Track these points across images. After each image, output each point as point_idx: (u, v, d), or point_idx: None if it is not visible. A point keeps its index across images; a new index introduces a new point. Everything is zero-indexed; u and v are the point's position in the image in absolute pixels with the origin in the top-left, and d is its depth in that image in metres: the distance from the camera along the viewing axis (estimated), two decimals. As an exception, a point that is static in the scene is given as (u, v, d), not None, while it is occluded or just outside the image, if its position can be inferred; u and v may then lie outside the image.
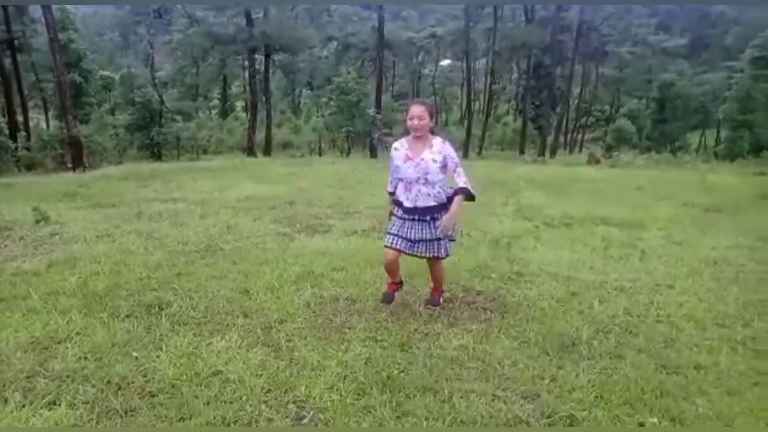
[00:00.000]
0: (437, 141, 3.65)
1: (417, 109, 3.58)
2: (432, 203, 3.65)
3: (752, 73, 35.92)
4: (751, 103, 35.59)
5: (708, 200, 9.06)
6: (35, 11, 25.65)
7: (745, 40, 39.60)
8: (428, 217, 3.66)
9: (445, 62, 56.50)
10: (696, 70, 50.93)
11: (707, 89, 45.49)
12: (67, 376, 2.89)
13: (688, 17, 64.87)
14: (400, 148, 3.71)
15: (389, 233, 3.78)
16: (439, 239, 3.70)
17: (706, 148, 42.43)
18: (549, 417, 2.69)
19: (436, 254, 3.76)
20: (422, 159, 3.60)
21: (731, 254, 5.69)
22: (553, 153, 34.31)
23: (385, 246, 3.76)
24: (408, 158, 3.64)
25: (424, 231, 3.69)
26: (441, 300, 4.03)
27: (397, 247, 3.71)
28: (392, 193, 3.83)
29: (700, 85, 46.58)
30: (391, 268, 3.85)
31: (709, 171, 15.37)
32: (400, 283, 4.04)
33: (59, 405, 2.65)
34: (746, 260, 5.46)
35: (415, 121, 3.57)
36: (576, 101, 46.63)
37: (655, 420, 2.68)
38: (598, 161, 22.03)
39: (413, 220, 3.68)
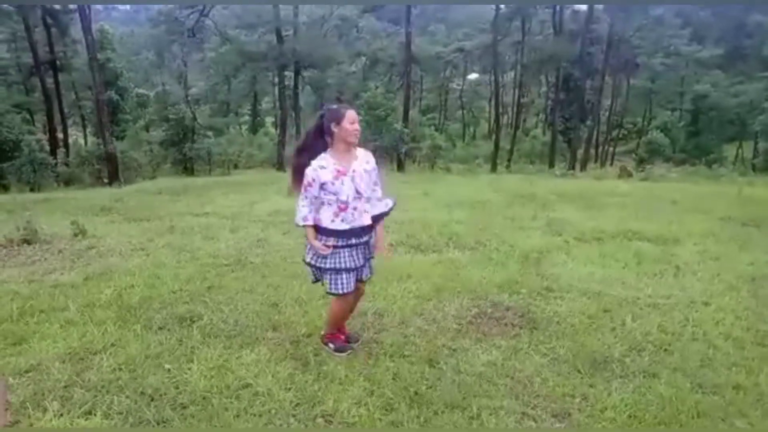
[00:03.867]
0: (361, 151, 3.21)
1: (355, 114, 3.12)
2: (368, 222, 3.19)
3: (791, 83, 34.95)
4: (791, 114, 34.55)
5: (745, 214, 8.78)
6: (76, 32, 26.68)
7: (784, 49, 38.58)
8: (365, 238, 3.23)
9: (473, 76, 56.48)
10: (732, 81, 49.67)
11: (743, 100, 44.27)
12: (103, 387, 2.97)
13: (723, 27, 63.43)
14: (326, 165, 3.08)
15: (334, 270, 3.16)
16: (370, 259, 3.38)
17: (743, 161, 41.21)
18: (580, 436, 2.64)
19: (369, 275, 3.42)
20: (354, 171, 3.12)
21: (771, 270, 5.50)
22: (583, 166, 33.78)
23: (343, 293, 3.20)
24: (339, 173, 3.08)
25: (366, 252, 3.30)
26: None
27: (350, 290, 3.22)
28: (311, 226, 3.16)
29: (735, 96, 45.38)
30: (347, 315, 3.51)
31: (747, 184, 14.91)
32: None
33: (95, 415, 2.72)
34: (787, 277, 5.27)
35: (356, 125, 3.10)
36: (607, 114, 45.95)
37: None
38: (630, 174, 21.62)
39: (350, 246, 3.17)
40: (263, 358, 3.32)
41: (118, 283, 4.72)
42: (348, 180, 3.09)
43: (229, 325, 3.84)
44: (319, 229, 3.16)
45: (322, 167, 3.09)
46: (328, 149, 3.15)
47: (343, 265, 3.16)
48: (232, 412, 2.77)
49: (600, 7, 35.76)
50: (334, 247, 3.15)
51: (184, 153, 29.37)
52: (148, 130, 38.30)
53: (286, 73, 33.37)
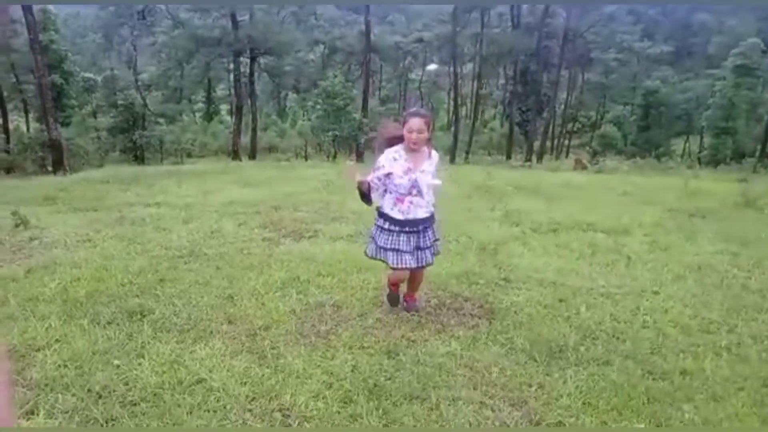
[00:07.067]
0: (435, 153, 3.65)
1: (417, 123, 3.42)
2: (424, 215, 3.60)
3: (734, 80, 36.68)
4: (734, 110, 36.33)
5: (692, 206, 9.14)
6: (16, 11, 25.26)
7: (727, 48, 40.34)
8: (420, 228, 3.62)
9: (432, 67, 56.75)
10: (680, 77, 51.69)
11: (690, 96, 46.21)
12: (46, 385, 2.82)
13: (671, 25, 65.85)
14: (399, 158, 3.50)
15: (388, 249, 3.60)
16: (430, 246, 3.72)
17: (690, 155, 43.06)
18: (537, 424, 2.68)
19: (429, 261, 3.76)
20: (422, 171, 3.53)
21: (715, 260, 5.73)
22: (539, 158, 34.57)
23: (394, 268, 3.64)
24: (409, 170, 3.49)
25: (419, 240, 3.64)
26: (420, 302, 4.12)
27: (408, 266, 3.62)
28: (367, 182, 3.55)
29: (683, 92, 47.30)
30: (400, 284, 3.90)
31: (693, 177, 15.51)
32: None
33: (37, 414, 2.58)
34: (729, 266, 5.50)
35: (414, 135, 3.42)
36: (562, 107, 47.07)
37: (642, 426, 2.68)
38: (584, 167, 22.25)
39: (406, 232, 3.59)
40: (218, 353, 3.23)
41: (63, 276, 4.49)
42: (414, 177, 3.48)
43: (182, 319, 3.71)
44: (380, 213, 3.62)
45: (395, 159, 3.50)
46: (403, 144, 3.51)
47: (388, 246, 3.59)
48: (185, 408, 2.67)
49: (556, 1, 36.43)
50: (392, 231, 3.57)
51: (133, 140, 28.42)
52: (95, 117, 36.88)
53: (242, 59, 32.63)
